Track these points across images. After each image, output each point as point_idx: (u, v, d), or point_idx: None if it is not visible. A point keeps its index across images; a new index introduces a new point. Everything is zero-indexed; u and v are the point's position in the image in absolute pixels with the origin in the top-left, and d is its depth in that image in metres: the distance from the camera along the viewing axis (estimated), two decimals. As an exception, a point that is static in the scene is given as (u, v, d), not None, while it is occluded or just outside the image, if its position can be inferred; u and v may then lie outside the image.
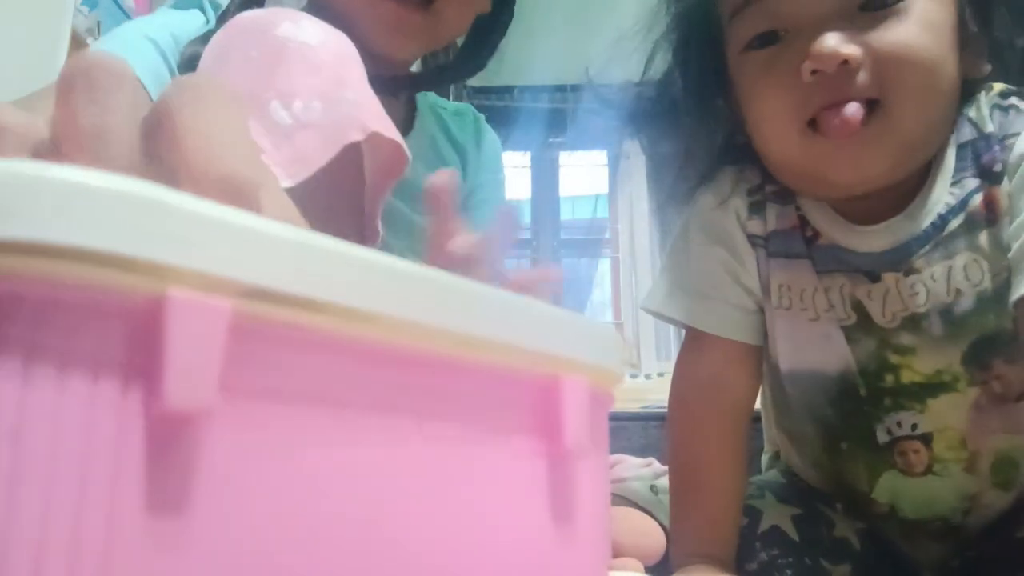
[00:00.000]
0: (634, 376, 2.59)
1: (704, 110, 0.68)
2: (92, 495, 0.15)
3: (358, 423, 0.20)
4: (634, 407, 1.92)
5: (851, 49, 0.55)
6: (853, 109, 0.55)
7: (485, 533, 0.23)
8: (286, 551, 0.18)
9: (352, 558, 0.19)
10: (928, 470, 0.67)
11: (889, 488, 0.70)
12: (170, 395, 0.16)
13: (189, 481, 0.16)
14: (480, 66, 0.80)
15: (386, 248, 0.62)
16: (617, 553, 0.39)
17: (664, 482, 0.81)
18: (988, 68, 0.61)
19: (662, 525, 0.78)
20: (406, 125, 0.79)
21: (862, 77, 0.55)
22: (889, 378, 0.66)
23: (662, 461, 0.73)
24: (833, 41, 0.55)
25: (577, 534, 0.25)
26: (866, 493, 0.71)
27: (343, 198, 0.53)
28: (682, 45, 0.69)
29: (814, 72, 0.56)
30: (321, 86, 0.47)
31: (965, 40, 0.59)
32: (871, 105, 0.56)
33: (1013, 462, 0.67)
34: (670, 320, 0.73)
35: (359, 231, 0.54)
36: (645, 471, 0.83)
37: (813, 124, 0.58)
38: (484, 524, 0.23)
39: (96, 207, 0.16)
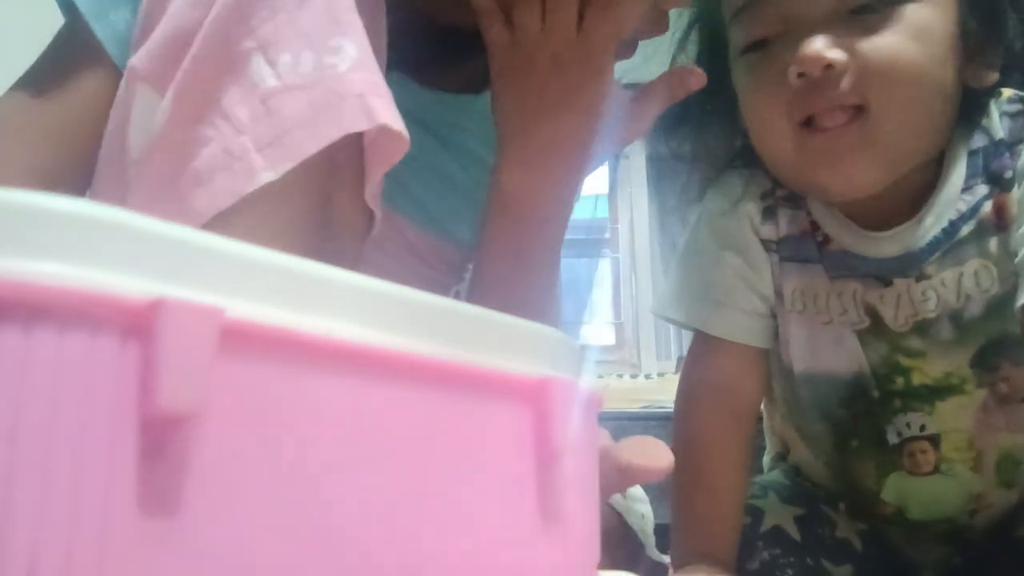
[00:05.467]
0: (634, 376, 2.59)
1: (714, 113, 0.69)
2: (86, 495, 0.15)
3: (348, 424, 0.20)
4: (634, 407, 1.92)
5: (835, 54, 0.56)
6: (837, 115, 0.57)
7: (474, 531, 0.23)
8: (277, 550, 0.18)
9: (342, 556, 0.19)
10: (935, 470, 0.68)
11: (897, 488, 0.70)
12: (163, 397, 0.16)
13: (181, 481, 0.16)
14: None
15: (454, 180, 0.59)
16: (627, 474, 0.39)
17: (634, 490, 0.82)
18: (995, 77, 0.61)
19: (633, 530, 0.79)
20: (484, 77, 0.64)
21: (846, 82, 0.56)
22: (899, 380, 0.66)
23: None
24: (818, 44, 0.55)
25: (565, 533, 0.25)
26: (874, 493, 0.71)
27: (338, 175, 0.44)
28: (696, 48, 0.70)
29: (800, 75, 0.57)
30: (310, 26, 0.39)
31: (969, 49, 0.59)
32: (857, 110, 0.57)
33: (1016, 460, 0.67)
34: (682, 325, 0.74)
35: (362, 212, 0.46)
36: None
37: (807, 123, 0.59)
38: (473, 522, 0.23)
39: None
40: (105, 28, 0.49)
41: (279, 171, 0.37)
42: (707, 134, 0.71)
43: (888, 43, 0.56)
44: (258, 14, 0.39)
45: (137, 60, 0.42)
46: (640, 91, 0.57)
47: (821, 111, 0.57)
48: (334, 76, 0.38)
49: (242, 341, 0.18)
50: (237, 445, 0.17)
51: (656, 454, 0.41)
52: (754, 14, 0.60)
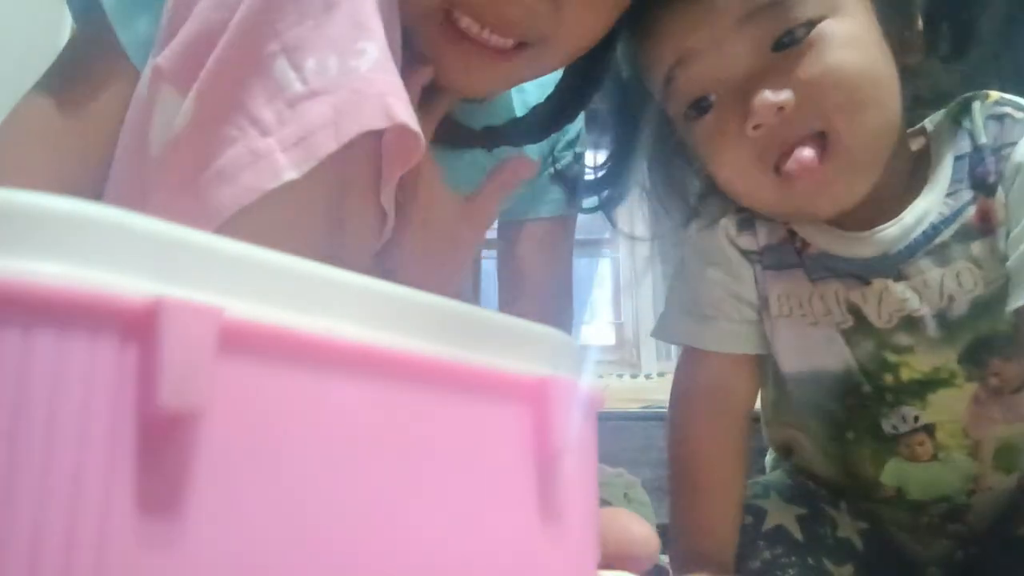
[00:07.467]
0: (634, 376, 2.58)
1: (671, 166, 0.71)
2: (86, 495, 0.15)
3: (348, 424, 0.20)
4: (634, 407, 1.92)
5: (783, 96, 0.56)
6: (805, 153, 0.58)
7: (474, 531, 0.23)
8: (276, 549, 0.18)
9: (342, 556, 0.19)
10: (933, 458, 0.68)
11: (896, 472, 0.71)
12: (163, 397, 0.16)
13: (181, 481, 0.16)
14: (568, 119, 0.70)
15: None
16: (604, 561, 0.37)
17: (636, 493, 0.83)
18: (921, 44, 0.62)
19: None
20: (458, 134, 0.67)
21: (802, 114, 0.57)
22: (888, 377, 0.67)
23: (662, 461, 0.73)
24: (765, 94, 0.57)
25: (565, 532, 0.25)
26: (873, 477, 0.72)
27: (355, 176, 0.45)
28: (630, 120, 0.71)
29: (757, 127, 0.58)
30: (336, 32, 0.40)
31: (896, 31, 0.60)
32: (823, 136, 0.58)
33: (1015, 448, 0.68)
34: (679, 344, 0.76)
35: (376, 214, 0.47)
36: (617, 480, 0.85)
37: (778, 169, 0.60)
38: (473, 522, 0.23)
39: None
40: (129, 35, 0.49)
41: (301, 170, 0.38)
42: (674, 184, 0.74)
43: (823, 63, 0.57)
44: (285, 18, 0.40)
45: (162, 60, 0.42)
46: (473, 194, 0.58)
47: (788, 150, 0.58)
48: (357, 77, 0.39)
49: (242, 341, 0.18)
50: (237, 445, 0.17)
51: (641, 537, 0.40)
52: (684, 79, 0.61)
